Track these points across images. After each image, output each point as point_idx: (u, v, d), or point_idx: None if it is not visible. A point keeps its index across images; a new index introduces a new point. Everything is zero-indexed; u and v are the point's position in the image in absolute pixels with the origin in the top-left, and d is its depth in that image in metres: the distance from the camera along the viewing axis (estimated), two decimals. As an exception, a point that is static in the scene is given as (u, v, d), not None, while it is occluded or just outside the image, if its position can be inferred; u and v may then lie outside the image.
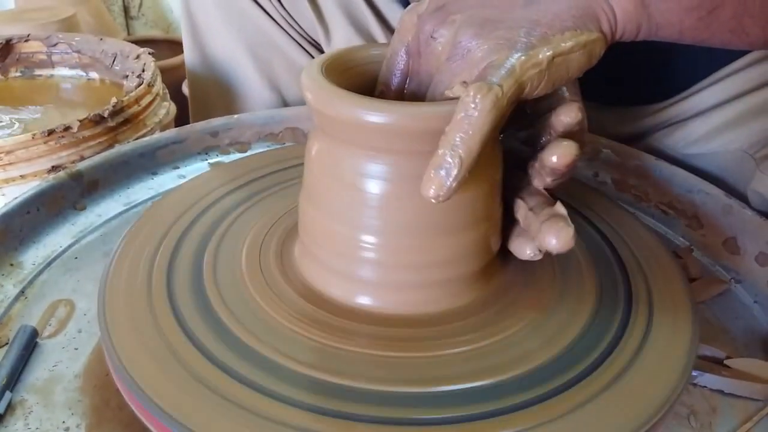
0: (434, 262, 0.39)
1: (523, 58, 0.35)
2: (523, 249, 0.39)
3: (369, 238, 0.38)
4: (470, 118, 0.33)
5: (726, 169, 0.63)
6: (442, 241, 0.38)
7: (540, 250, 0.38)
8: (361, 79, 0.43)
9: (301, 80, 0.39)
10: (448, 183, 0.33)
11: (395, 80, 0.42)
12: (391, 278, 0.39)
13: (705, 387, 0.42)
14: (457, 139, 0.33)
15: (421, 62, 0.40)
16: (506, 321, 0.40)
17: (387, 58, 0.43)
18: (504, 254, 0.45)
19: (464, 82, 0.36)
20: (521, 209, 0.40)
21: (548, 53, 0.35)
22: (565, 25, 0.36)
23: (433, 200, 0.34)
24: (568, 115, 0.38)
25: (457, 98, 0.36)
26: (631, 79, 0.66)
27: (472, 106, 0.33)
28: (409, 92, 0.42)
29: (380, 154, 0.37)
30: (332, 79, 0.38)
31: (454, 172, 0.33)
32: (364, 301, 0.40)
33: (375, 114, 0.35)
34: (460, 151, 0.33)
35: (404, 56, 0.42)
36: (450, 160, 0.33)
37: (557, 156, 0.36)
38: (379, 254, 0.38)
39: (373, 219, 0.37)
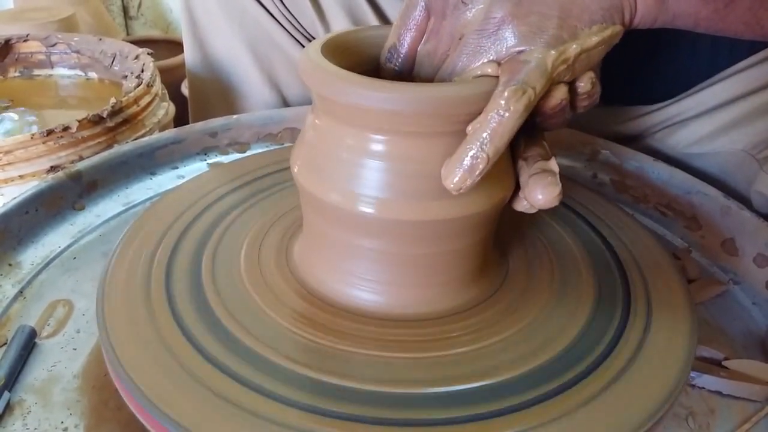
0: (437, 251, 0.38)
1: (554, 54, 0.35)
2: (520, 201, 0.39)
3: (368, 217, 0.37)
4: (502, 119, 0.34)
5: (727, 169, 0.62)
6: (445, 223, 0.37)
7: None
8: (360, 60, 0.42)
9: (300, 60, 0.38)
10: (472, 177, 0.34)
11: (410, 35, 0.41)
12: (391, 270, 0.39)
13: (703, 388, 0.42)
14: (486, 137, 0.34)
15: (444, 24, 0.40)
16: (506, 321, 0.40)
17: (403, 10, 0.42)
18: (503, 254, 0.45)
19: (496, 63, 0.36)
20: (518, 157, 0.39)
21: (577, 50, 0.36)
22: (594, 19, 0.37)
23: (453, 192, 0.34)
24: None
25: (481, 76, 0.36)
26: (635, 77, 0.66)
27: (504, 106, 0.33)
28: (424, 51, 0.41)
29: (382, 134, 0.36)
30: (332, 60, 0.37)
31: (480, 167, 0.34)
32: (363, 300, 0.40)
33: (385, 98, 0.34)
34: (488, 149, 0.34)
35: (423, 11, 0.41)
36: (476, 157, 0.34)
37: (544, 98, 0.36)
38: (378, 235, 0.37)
39: (372, 199, 0.37)
